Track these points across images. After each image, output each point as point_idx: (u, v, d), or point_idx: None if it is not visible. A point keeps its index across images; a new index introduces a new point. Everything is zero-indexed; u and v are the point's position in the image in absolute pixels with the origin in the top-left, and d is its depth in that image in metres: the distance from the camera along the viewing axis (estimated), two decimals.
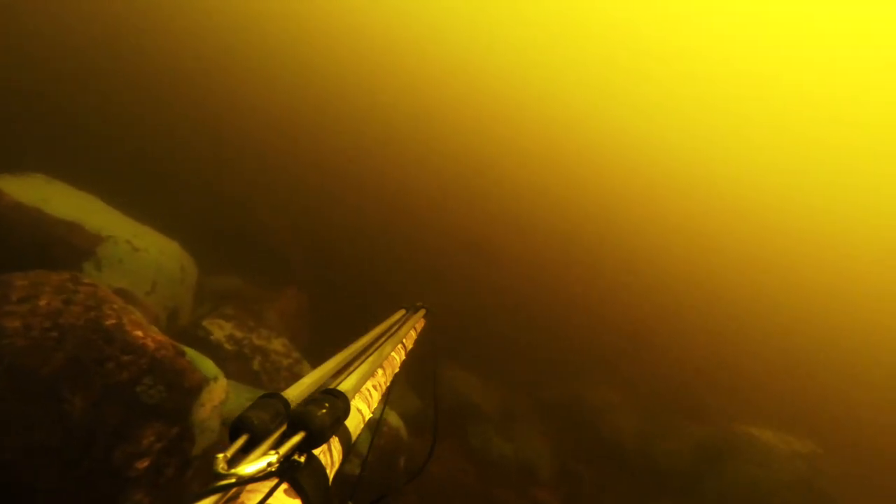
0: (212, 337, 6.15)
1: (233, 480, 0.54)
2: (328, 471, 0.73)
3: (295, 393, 0.78)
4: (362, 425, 0.95)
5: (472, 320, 13.01)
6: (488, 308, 14.18)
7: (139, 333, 2.96)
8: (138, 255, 5.58)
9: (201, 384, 3.31)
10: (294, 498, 0.61)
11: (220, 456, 0.57)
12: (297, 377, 6.25)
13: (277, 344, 6.85)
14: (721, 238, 30.36)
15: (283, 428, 0.69)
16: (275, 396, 0.72)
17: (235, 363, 6.08)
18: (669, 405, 13.80)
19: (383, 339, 1.27)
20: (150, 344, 2.98)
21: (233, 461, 0.59)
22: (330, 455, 0.76)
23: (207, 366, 3.52)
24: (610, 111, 42.35)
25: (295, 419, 0.68)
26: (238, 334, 6.51)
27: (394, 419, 5.91)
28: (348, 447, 0.85)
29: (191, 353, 3.41)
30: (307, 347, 8.12)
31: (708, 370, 15.83)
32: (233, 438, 0.63)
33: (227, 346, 6.20)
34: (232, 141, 15.05)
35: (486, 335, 13.00)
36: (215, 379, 3.50)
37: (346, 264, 12.50)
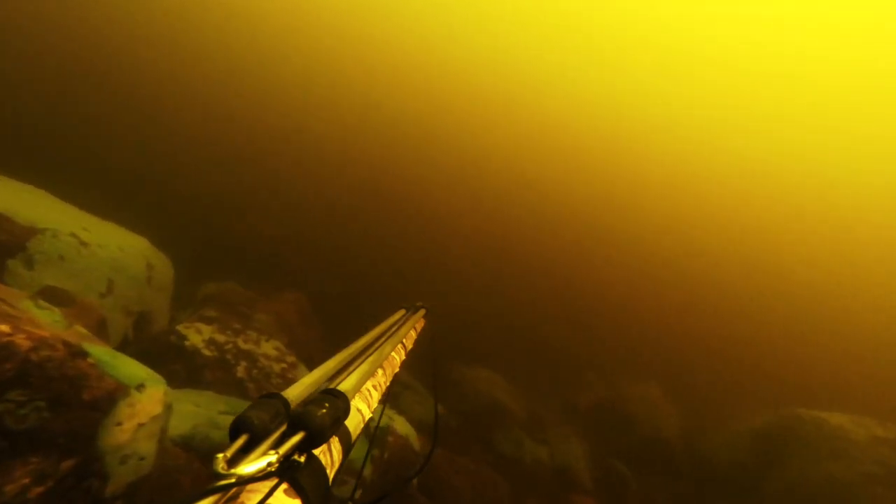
0: (187, 342, 5.33)
1: (232, 480, 0.53)
2: (328, 471, 0.71)
3: (295, 393, 0.76)
4: (362, 425, 0.93)
5: (493, 317, 12.18)
6: (511, 304, 13.33)
7: (3, 328, 2.06)
8: (88, 250, 4.75)
9: (115, 396, 2.40)
10: (294, 498, 0.60)
11: (220, 456, 0.56)
12: (290, 383, 5.39)
13: (268, 347, 6.03)
14: (763, 223, 29.01)
15: (283, 428, 0.68)
16: (275, 396, 0.71)
17: (215, 370, 5.24)
18: (714, 395, 12.64)
19: (383, 339, 1.26)
20: (23, 343, 2.08)
21: (232, 461, 0.58)
22: (330, 455, 0.75)
23: (129, 370, 2.61)
24: (631, 102, 41.24)
25: (295, 419, 0.67)
26: (220, 338, 5.69)
27: (402, 426, 4.97)
28: (348, 447, 0.83)
29: (100, 352, 2.50)
30: (318, 352, 7.38)
31: (755, 357, 14.45)
32: (233, 438, 0.62)
33: (206, 352, 5.36)
34: (227, 147, 14.50)
35: (510, 332, 12.13)
36: (141, 387, 2.59)
37: (357, 268, 11.86)
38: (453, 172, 21.82)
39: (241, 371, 5.42)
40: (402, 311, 1.65)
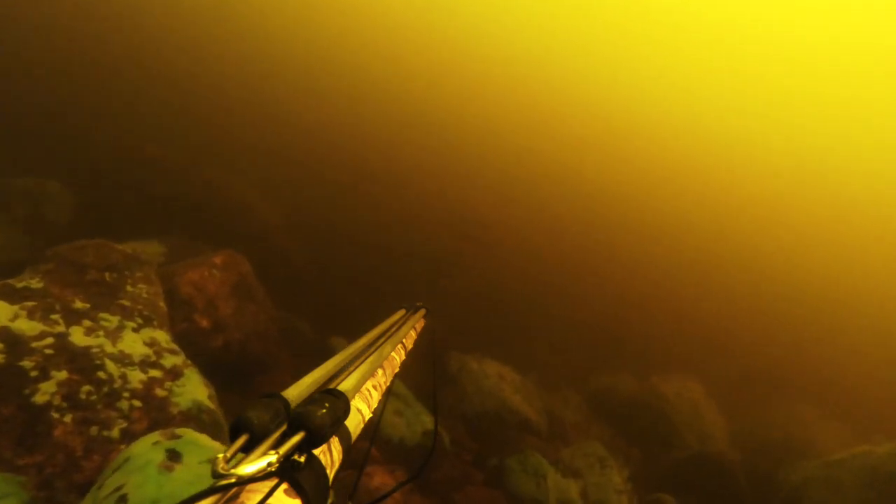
0: None
1: (233, 480, 0.54)
2: (328, 471, 0.72)
3: (295, 393, 0.78)
4: (362, 425, 0.94)
5: (506, 303, 10.99)
6: (528, 288, 12.11)
7: None
8: None
9: None
10: (294, 498, 0.61)
11: (220, 456, 0.56)
12: (155, 405, 3.47)
13: (134, 342, 3.78)
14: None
15: (283, 428, 0.70)
16: (275, 396, 0.73)
17: None
18: (795, 413, 10.47)
19: (383, 339, 1.29)
20: None
21: (233, 461, 0.59)
22: (330, 455, 0.76)
23: None
24: (652, 90, 40.29)
25: (295, 419, 0.69)
26: (28, 328, 3.30)
27: None
28: (348, 447, 0.84)
29: None
30: (255, 335, 5.95)
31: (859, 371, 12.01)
32: (233, 438, 0.64)
33: None
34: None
35: (526, 319, 10.74)
36: None
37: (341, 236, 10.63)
38: (464, 152, 20.79)
39: (48, 390, 2.97)
40: (402, 311, 1.68)
